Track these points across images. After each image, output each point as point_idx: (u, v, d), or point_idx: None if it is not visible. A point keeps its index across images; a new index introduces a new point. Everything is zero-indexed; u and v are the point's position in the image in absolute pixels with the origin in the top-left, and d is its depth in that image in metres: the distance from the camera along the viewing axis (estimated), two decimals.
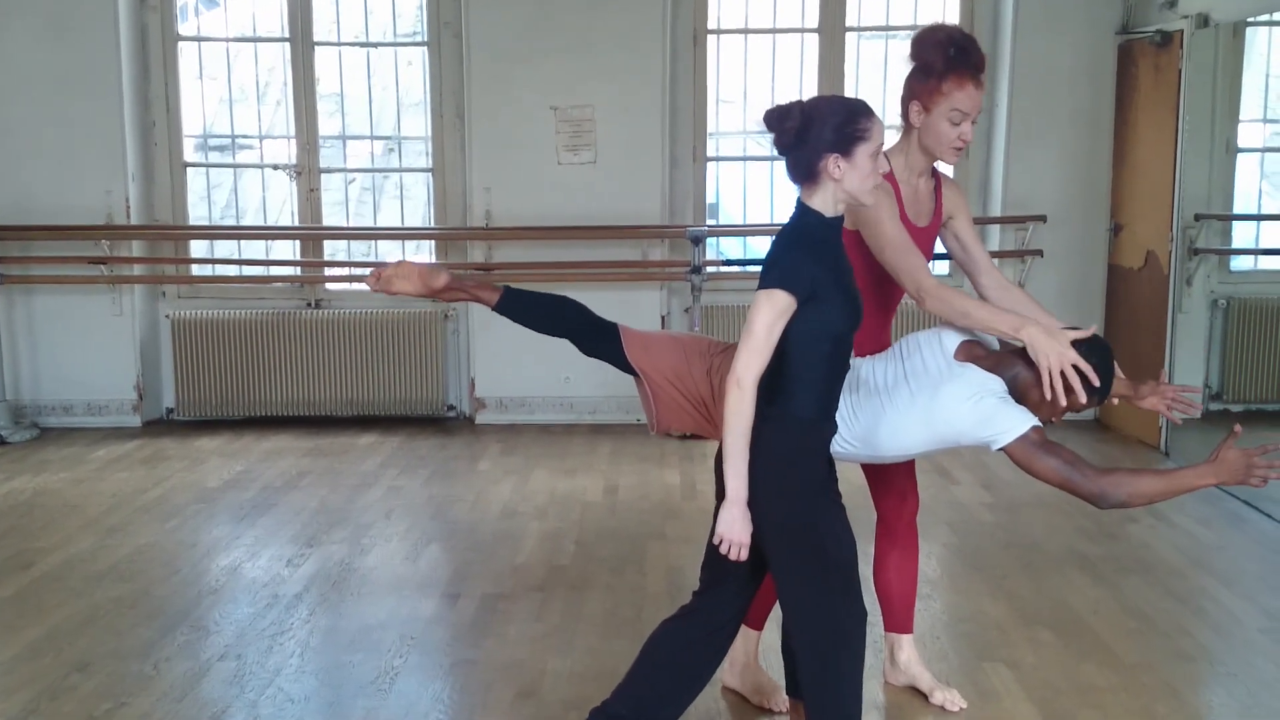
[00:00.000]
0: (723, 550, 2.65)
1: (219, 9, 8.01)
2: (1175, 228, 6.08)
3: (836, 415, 2.78)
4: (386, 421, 6.97)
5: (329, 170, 7.30)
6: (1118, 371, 2.94)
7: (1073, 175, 6.82)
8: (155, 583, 4.41)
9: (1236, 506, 5.29)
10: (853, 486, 3.09)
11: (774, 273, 2.60)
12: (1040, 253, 6.81)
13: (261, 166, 7.41)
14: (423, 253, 7.42)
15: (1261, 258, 7.00)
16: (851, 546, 2.74)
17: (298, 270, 7.16)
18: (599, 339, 3.00)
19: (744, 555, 2.64)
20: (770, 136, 2.66)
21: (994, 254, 6.55)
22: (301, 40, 6.93)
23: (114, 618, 4.06)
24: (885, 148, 2.75)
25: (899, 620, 3.46)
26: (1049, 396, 2.76)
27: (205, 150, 7.53)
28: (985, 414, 2.74)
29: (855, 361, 2.90)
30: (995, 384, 2.79)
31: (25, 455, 6.31)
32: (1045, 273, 6.83)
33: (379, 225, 8.17)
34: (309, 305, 7.05)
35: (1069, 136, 6.79)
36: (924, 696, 3.44)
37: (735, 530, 2.63)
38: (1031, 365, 2.79)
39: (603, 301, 3.31)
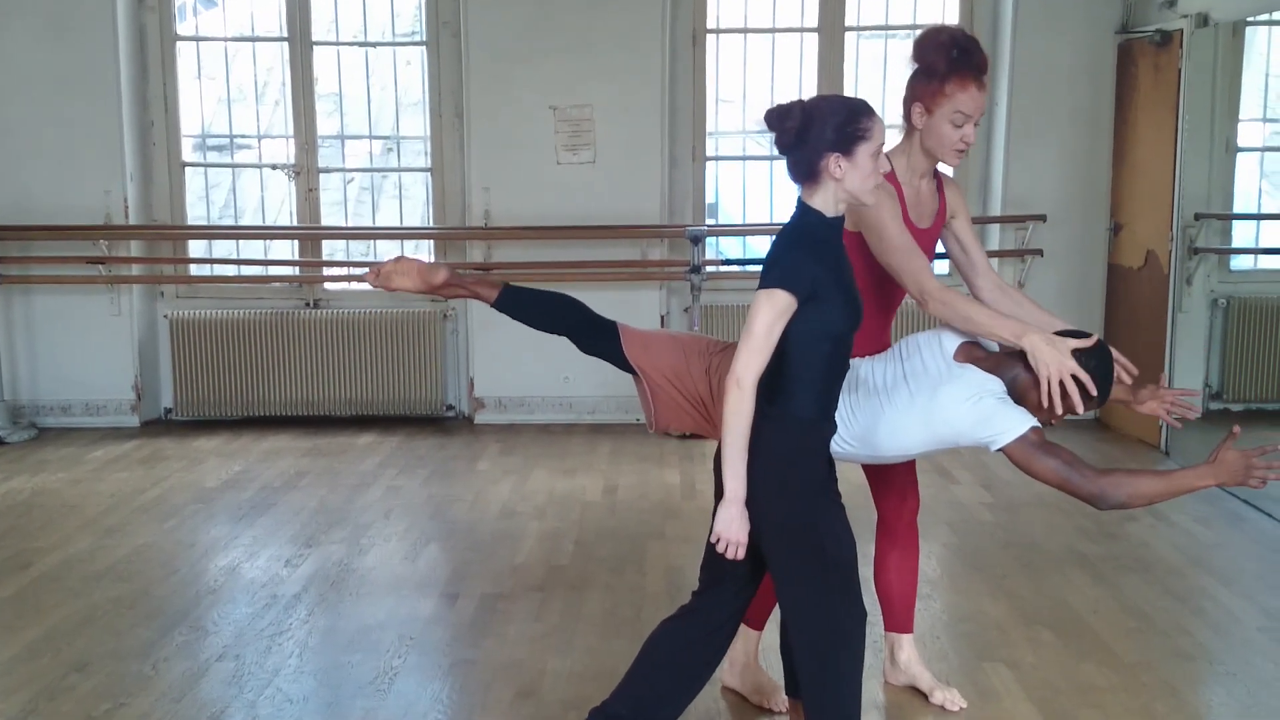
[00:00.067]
0: (720, 549, 2.65)
1: (217, 9, 8.01)
2: (1175, 227, 6.07)
3: (835, 415, 2.78)
4: (385, 421, 6.97)
5: (327, 170, 7.29)
6: (1117, 377, 2.94)
7: (1072, 175, 6.82)
8: (154, 583, 4.41)
9: (1236, 506, 5.29)
10: (853, 486, 3.09)
11: (774, 272, 2.60)
12: (1040, 252, 6.81)
13: (260, 166, 7.41)
14: (421, 252, 7.40)
15: (1261, 257, 6.99)
16: (851, 546, 2.73)
17: (296, 270, 7.16)
18: (598, 337, 3.00)
19: (741, 555, 2.64)
20: (770, 136, 2.66)
21: (993, 253, 6.57)
22: (300, 40, 6.92)
23: (112, 618, 4.06)
24: (886, 149, 2.75)
25: (899, 620, 3.46)
26: (1046, 405, 2.77)
27: (203, 150, 7.52)
28: (984, 414, 2.75)
29: (855, 362, 2.90)
30: (994, 385, 2.80)
31: (23, 455, 6.30)
32: (1045, 272, 6.83)
33: (377, 225, 8.15)
34: (307, 305, 7.04)
35: (1069, 136, 6.79)
36: (924, 696, 3.44)
37: (733, 530, 2.63)
38: (1031, 367, 2.80)
39: (602, 301, 3.30)
